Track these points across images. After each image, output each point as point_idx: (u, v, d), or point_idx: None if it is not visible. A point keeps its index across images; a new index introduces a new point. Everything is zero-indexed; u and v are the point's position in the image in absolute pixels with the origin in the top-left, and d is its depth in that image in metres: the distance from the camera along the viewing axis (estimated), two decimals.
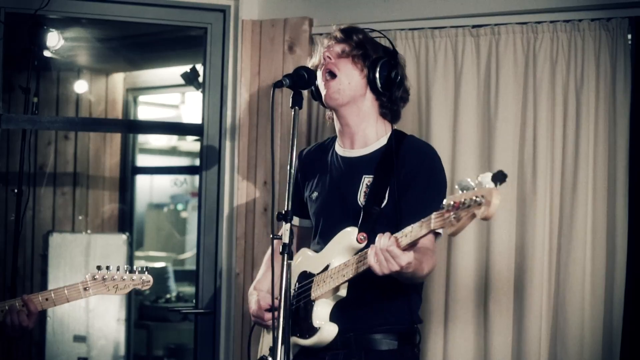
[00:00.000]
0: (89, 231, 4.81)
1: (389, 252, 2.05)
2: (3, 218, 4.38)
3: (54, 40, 3.90)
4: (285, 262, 2.06)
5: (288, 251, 2.07)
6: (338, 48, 2.44)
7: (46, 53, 4.00)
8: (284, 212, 2.11)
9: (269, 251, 2.68)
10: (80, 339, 4.21)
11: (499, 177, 1.76)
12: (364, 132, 2.46)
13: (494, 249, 2.92)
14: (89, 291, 2.48)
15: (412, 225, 2.06)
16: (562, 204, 2.88)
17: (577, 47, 2.87)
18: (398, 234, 2.09)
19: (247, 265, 3.33)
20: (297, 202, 2.54)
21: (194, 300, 3.54)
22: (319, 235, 2.48)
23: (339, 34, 2.47)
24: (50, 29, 3.86)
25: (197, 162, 5.59)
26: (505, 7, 2.97)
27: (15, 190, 3.63)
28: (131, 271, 2.50)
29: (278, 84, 2.24)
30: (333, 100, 2.41)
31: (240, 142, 3.34)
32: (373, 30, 2.61)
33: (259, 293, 2.52)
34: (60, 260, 4.17)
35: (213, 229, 3.39)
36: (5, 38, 3.19)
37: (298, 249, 2.54)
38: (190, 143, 6.93)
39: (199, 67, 3.87)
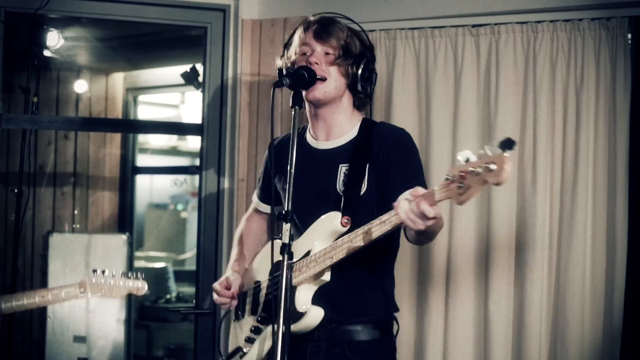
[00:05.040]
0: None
1: (421, 212, 2.02)
2: (3, 218, 4.38)
3: (54, 39, 3.91)
4: (285, 262, 2.06)
5: (288, 251, 2.07)
6: (320, 49, 2.40)
7: (46, 53, 4.01)
8: (284, 213, 2.11)
9: (238, 231, 2.72)
10: (80, 339, 4.21)
11: (507, 144, 1.80)
12: (340, 125, 2.47)
13: (494, 248, 2.92)
14: (85, 293, 2.54)
15: (410, 200, 2.03)
16: (562, 203, 2.88)
17: (577, 47, 2.87)
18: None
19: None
20: (269, 191, 2.64)
21: (194, 300, 3.54)
22: (294, 228, 2.41)
23: (321, 33, 2.42)
24: (50, 29, 3.86)
25: (197, 162, 5.59)
26: (505, 7, 2.98)
27: (15, 190, 3.63)
28: (127, 276, 2.56)
29: (278, 84, 2.24)
30: (317, 100, 2.41)
31: (240, 142, 3.34)
32: (342, 17, 2.56)
33: (233, 273, 2.53)
34: (60, 260, 4.17)
35: (213, 229, 3.39)
36: (5, 38, 3.19)
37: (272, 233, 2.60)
38: (190, 143, 6.94)
39: (199, 67, 3.87)
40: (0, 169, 4.37)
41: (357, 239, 2.19)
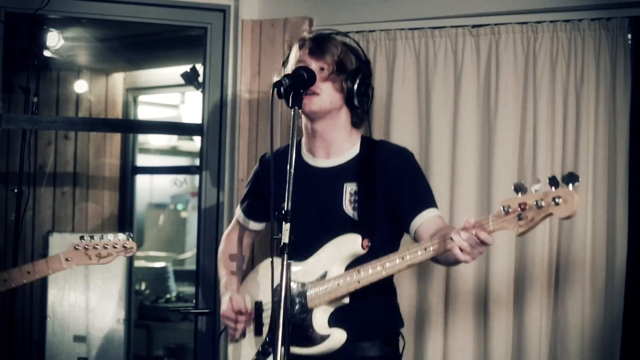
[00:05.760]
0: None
1: (481, 241, 2.05)
2: (3, 218, 4.38)
3: (54, 40, 3.91)
4: (285, 262, 2.06)
5: (288, 251, 2.07)
6: (315, 65, 2.39)
7: (46, 53, 4.01)
8: (283, 212, 2.10)
9: (222, 251, 2.70)
10: (80, 339, 4.21)
11: (572, 178, 1.84)
12: (340, 143, 2.46)
13: (494, 249, 2.92)
14: (71, 262, 2.42)
15: (463, 231, 2.05)
16: None
17: (577, 47, 2.87)
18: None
19: (247, 265, 3.32)
20: (260, 205, 2.61)
21: (194, 300, 3.54)
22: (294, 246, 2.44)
23: (315, 50, 2.41)
24: (50, 29, 3.86)
25: (197, 162, 5.59)
26: (505, 7, 2.97)
27: (15, 190, 3.62)
28: (115, 237, 2.43)
29: (278, 84, 2.24)
30: (312, 113, 2.41)
31: (240, 142, 3.34)
32: (339, 34, 2.56)
33: (232, 293, 2.50)
34: None
35: (213, 229, 3.39)
36: (5, 38, 3.19)
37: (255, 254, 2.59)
38: (190, 143, 6.94)
39: (199, 67, 3.87)
40: (0, 169, 4.37)
41: (391, 265, 2.19)
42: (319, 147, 2.48)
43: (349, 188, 2.39)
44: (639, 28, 2.86)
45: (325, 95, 2.39)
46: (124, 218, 5.24)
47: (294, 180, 2.25)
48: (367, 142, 2.47)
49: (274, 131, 2.22)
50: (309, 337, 2.31)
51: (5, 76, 3.29)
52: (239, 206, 2.71)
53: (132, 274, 4.47)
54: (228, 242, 2.71)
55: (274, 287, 2.37)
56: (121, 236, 2.45)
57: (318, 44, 2.43)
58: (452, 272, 2.98)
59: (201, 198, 3.43)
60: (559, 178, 1.86)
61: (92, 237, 2.44)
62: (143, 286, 5.90)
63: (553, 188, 1.86)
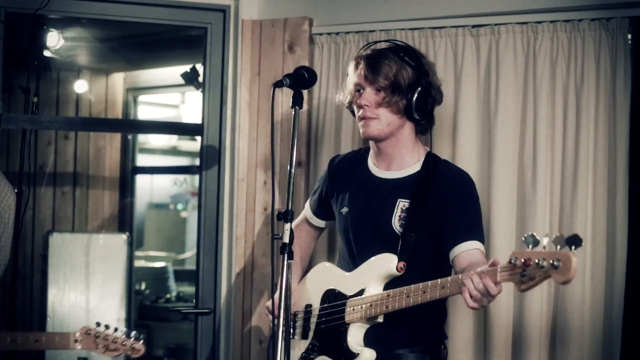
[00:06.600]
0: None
1: (486, 289, 2.04)
2: None
3: (54, 40, 3.91)
4: (285, 262, 2.07)
5: (288, 251, 2.08)
6: (369, 89, 2.42)
7: (46, 53, 4.01)
8: (284, 212, 2.11)
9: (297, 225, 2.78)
10: None
11: (574, 242, 1.82)
12: (402, 157, 2.50)
13: (494, 248, 2.92)
14: (78, 344, 2.46)
15: (472, 273, 2.05)
16: (562, 203, 2.88)
17: (577, 47, 2.87)
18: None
19: (247, 265, 3.33)
20: (322, 204, 2.70)
21: (194, 300, 3.55)
22: (347, 253, 2.53)
23: (369, 73, 2.41)
24: (50, 29, 3.86)
25: (197, 162, 5.59)
26: (505, 7, 2.97)
27: (16, 190, 3.62)
28: (128, 336, 2.49)
29: (278, 84, 2.24)
30: (372, 137, 2.47)
31: (240, 142, 3.34)
32: (390, 41, 2.58)
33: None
34: (60, 260, 4.17)
35: (213, 229, 3.39)
36: (5, 38, 3.19)
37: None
38: (191, 143, 6.94)
39: (199, 67, 3.87)
40: (0, 168, 4.37)
41: (415, 295, 2.21)
42: (381, 160, 2.53)
43: (402, 204, 2.42)
44: (639, 28, 2.86)
45: (383, 119, 2.42)
46: (124, 218, 5.24)
47: (357, 186, 2.41)
48: (430, 160, 2.48)
49: (274, 131, 2.21)
50: (341, 350, 2.37)
51: (5, 76, 3.29)
52: (309, 199, 2.80)
53: (132, 274, 4.47)
54: (295, 232, 2.75)
55: (323, 293, 2.47)
56: (133, 337, 2.51)
57: (371, 66, 2.42)
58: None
59: (201, 198, 3.43)
60: (565, 235, 1.84)
61: (107, 327, 2.47)
62: (143, 286, 5.90)
63: (557, 248, 1.84)
